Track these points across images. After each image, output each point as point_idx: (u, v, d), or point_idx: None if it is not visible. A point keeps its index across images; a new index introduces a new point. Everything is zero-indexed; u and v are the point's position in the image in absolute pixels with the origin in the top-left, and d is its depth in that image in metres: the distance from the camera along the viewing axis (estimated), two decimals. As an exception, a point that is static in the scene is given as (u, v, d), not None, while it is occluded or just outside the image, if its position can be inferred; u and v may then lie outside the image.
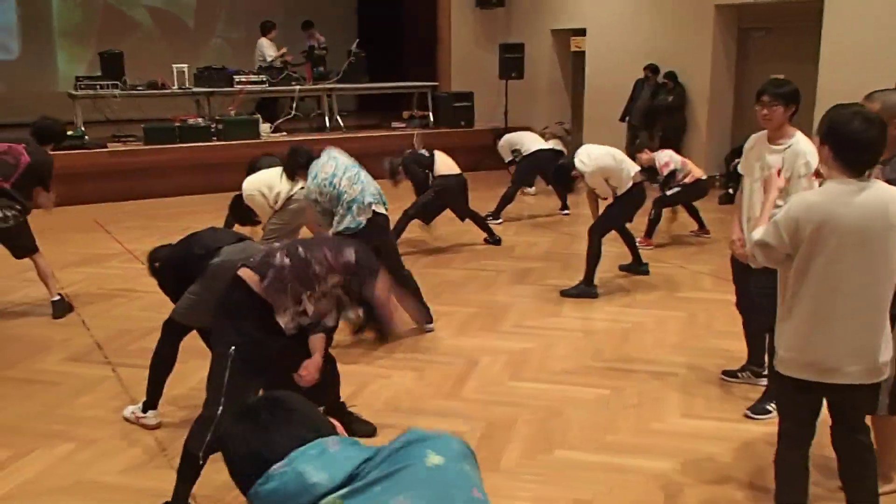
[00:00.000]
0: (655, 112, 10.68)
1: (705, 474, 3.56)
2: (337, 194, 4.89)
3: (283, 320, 3.19)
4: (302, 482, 1.36)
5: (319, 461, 1.39)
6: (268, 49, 12.24)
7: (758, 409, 4.08)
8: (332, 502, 1.35)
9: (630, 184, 6.12)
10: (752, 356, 4.45)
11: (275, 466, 1.38)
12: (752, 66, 10.48)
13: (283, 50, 12.32)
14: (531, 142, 8.79)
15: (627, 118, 11.11)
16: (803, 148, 3.74)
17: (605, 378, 4.61)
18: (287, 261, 3.14)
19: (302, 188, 5.24)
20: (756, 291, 3.86)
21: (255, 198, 5.35)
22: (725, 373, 4.57)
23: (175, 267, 3.87)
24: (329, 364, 3.63)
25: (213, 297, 3.38)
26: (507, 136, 9.11)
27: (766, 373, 4.31)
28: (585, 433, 3.96)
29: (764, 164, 3.81)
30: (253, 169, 5.70)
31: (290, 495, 1.36)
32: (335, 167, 4.92)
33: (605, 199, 6.31)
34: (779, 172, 3.32)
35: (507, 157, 8.94)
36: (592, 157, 6.17)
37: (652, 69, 10.90)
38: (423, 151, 7.46)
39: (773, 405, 4.00)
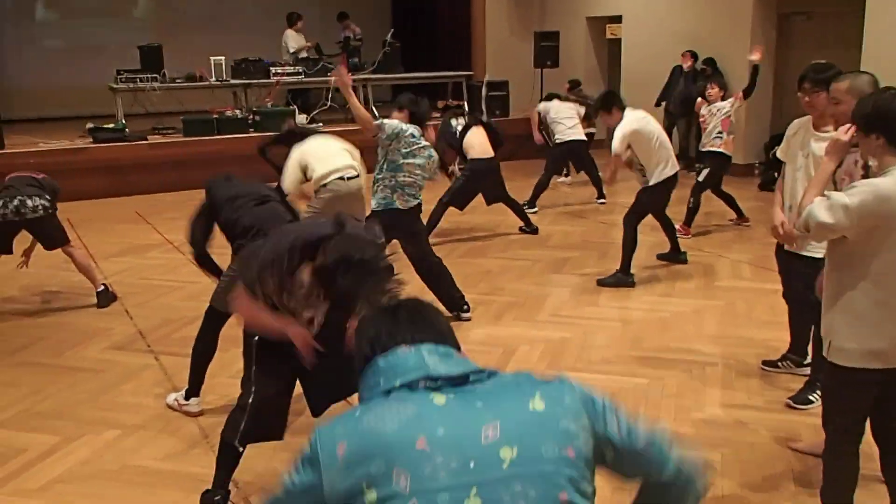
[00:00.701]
0: (694, 99, 10.55)
1: (746, 464, 3.53)
2: (401, 157, 5.15)
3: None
4: (421, 363, 1.49)
5: (442, 358, 1.52)
6: (291, 40, 12.29)
7: (800, 399, 4.03)
8: (439, 398, 1.45)
9: (662, 177, 5.97)
10: (794, 346, 4.39)
11: (403, 347, 1.52)
12: (792, 52, 10.30)
13: (308, 43, 12.37)
14: (563, 130, 8.83)
15: (664, 104, 10.99)
16: None
17: (644, 367, 4.59)
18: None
19: (341, 178, 5.21)
20: (804, 285, 3.78)
21: (290, 161, 5.23)
22: (766, 362, 4.51)
23: (218, 211, 4.00)
24: None
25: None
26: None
27: (807, 362, 4.25)
28: (624, 423, 3.93)
29: (809, 152, 3.74)
30: (289, 139, 5.41)
31: (406, 369, 1.49)
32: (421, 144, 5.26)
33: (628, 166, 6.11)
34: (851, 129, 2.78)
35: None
36: (638, 117, 5.97)
37: (691, 55, 10.76)
38: (458, 127, 7.46)
39: (815, 395, 3.94)
